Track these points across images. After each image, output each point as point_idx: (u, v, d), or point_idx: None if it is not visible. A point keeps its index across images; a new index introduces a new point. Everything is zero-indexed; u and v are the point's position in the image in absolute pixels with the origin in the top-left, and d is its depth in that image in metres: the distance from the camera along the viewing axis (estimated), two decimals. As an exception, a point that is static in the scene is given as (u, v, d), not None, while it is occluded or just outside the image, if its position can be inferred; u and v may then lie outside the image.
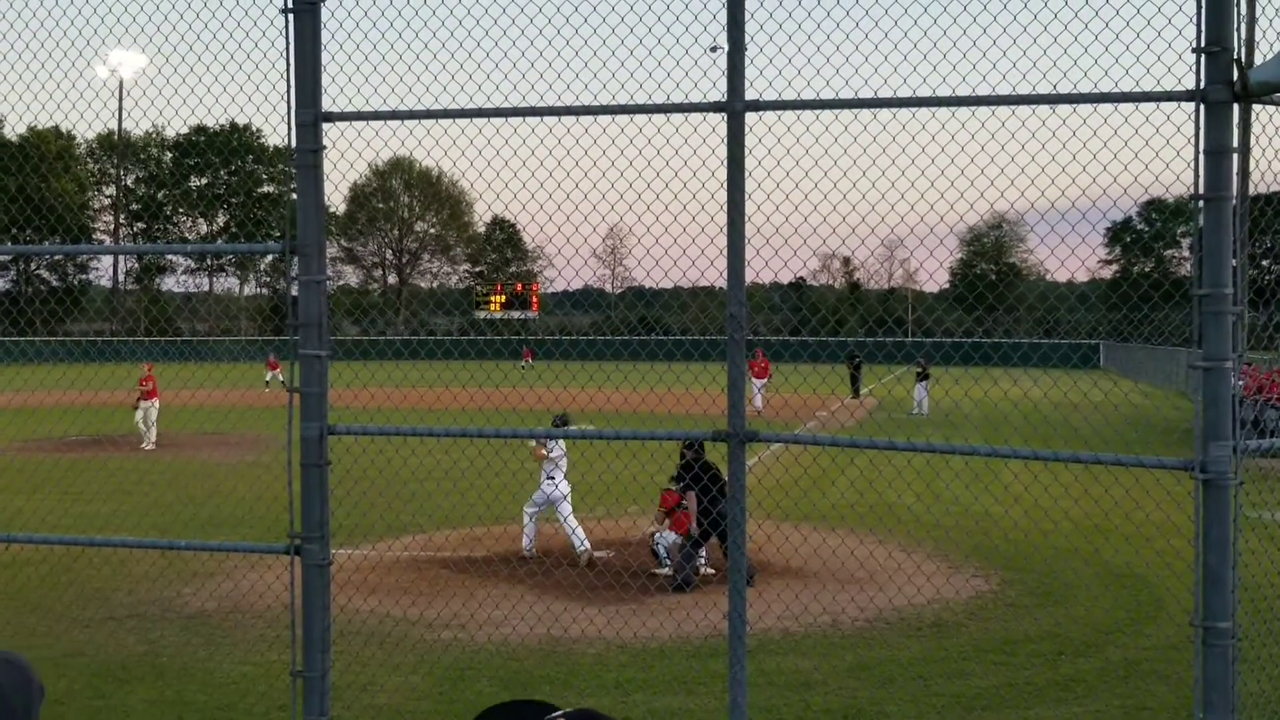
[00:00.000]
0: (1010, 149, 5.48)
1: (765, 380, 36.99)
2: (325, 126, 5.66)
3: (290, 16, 5.55)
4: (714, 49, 5.47)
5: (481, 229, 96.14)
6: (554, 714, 1.88)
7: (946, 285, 70.14)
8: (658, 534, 14.40)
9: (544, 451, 14.82)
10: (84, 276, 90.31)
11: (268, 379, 50.28)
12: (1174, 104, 4.96)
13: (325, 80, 5.62)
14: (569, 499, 14.97)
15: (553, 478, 14.95)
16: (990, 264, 78.33)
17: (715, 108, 5.24)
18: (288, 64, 5.57)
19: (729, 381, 5.35)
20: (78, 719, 9.20)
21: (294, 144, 5.61)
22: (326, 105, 5.65)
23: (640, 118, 5.70)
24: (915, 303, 72.73)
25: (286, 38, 5.56)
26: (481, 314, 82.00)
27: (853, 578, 13.21)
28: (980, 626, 11.86)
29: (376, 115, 5.70)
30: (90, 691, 9.81)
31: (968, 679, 10.09)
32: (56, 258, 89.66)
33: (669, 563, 13.99)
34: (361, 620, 11.64)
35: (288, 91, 5.56)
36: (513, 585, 13.31)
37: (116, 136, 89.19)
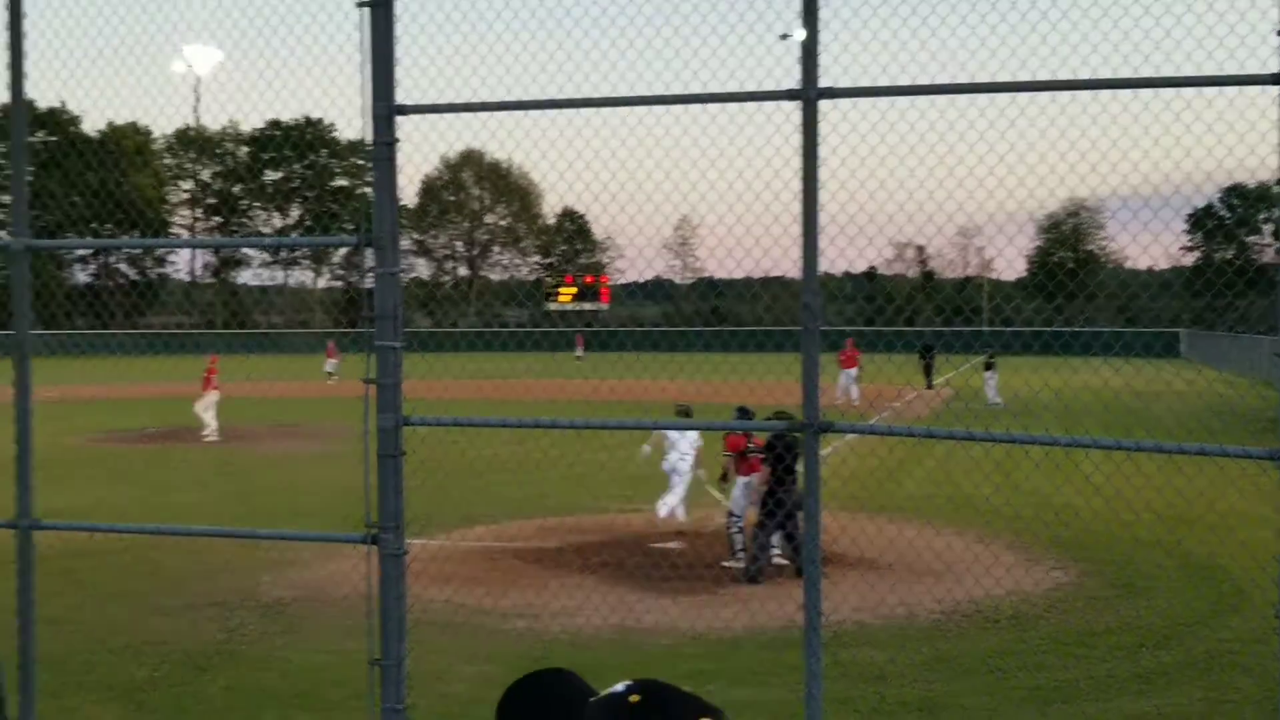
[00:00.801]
0: (1091, 134, 5.39)
1: (855, 371, 36.45)
2: (399, 120, 5.68)
3: (365, 10, 5.58)
4: (785, 36, 5.42)
5: (551, 220, 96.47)
6: (616, 687, 1.87)
7: (1024, 274, 69.27)
8: (733, 507, 14.31)
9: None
10: (162, 270, 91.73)
11: (328, 369, 50.56)
12: (1256, 88, 4.84)
13: (398, 73, 5.64)
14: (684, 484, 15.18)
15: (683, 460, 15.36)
16: (1069, 251, 77.25)
17: (789, 95, 5.19)
18: (362, 58, 5.60)
19: (803, 372, 5.31)
20: (160, 705, 9.36)
21: (368, 137, 5.64)
22: (400, 98, 5.67)
23: (713, 106, 5.67)
24: (992, 292, 71.84)
25: (361, 32, 5.58)
26: (551, 306, 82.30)
27: (929, 569, 13.08)
28: (1059, 619, 11.70)
29: (450, 108, 5.71)
30: (171, 679, 9.97)
31: (1046, 671, 9.96)
32: (135, 252, 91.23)
33: (742, 555, 13.94)
34: (436, 610, 11.72)
35: (362, 85, 5.59)
36: (584, 575, 13.34)
37: (193, 131, 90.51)
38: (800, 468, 6.80)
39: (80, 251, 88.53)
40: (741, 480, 14.27)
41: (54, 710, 8.83)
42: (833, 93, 5.15)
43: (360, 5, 5.62)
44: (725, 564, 14.04)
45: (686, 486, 15.60)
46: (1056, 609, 12.06)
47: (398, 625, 5.77)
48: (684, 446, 15.62)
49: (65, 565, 13.61)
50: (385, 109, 5.64)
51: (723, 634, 11.19)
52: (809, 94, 5.15)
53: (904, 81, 5.09)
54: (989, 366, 36.36)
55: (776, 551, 14.13)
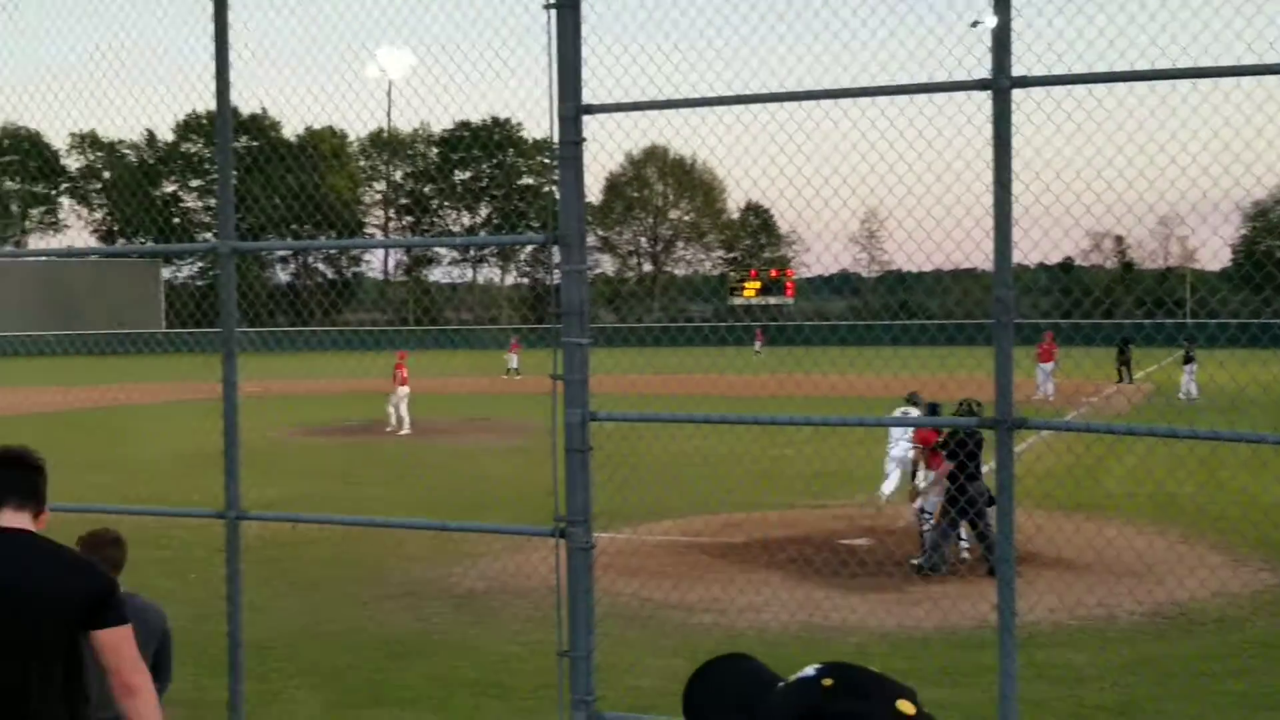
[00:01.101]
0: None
1: (1052, 365, 35.34)
2: (585, 119, 5.75)
3: (552, 12, 5.66)
4: (976, 24, 5.29)
5: (735, 215, 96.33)
6: (805, 670, 1.85)
7: (1229, 264, 66.27)
8: (922, 501, 14.10)
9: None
10: (357, 269, 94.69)
11: (511, 364, 51.21)
12: None
13: (584, 73, 5.70)
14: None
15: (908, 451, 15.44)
16: (1278, 240, 73.65)
17: (980, 85, 5.07)
18: (549, 59, 5.68)
19: (996, 367, 5.18)
20: (359, 690, 9.67)
21: (556, 137, 5.72)
22: (586, 98, 5.73)
23: (900, 98, 5.57)
24: (1195, 283, 68.89)
25: (549, 33, 5.67)
26: (736, 300, 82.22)
27: (1129, 569, 12.64)
28: (1267, 622, 11.18)
29: (635, 106, 5.76)
30: (369, 666, 10.30)
31: (1253, 677, 9.53)
32: (332, 251, 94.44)
33: (933, 554, 13.75)
34: (623, 602, 11.83)
35: (550, 86, 5.67)
36: (771, 571, 13.29)
37: (386, 134, 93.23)
38: (990, 463, 6.65)
39: (281, 252, 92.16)
40: (932, 475, 14.06)
41: (259, 693, 9.22)
42: (1026, 81, 5.02)
43: (547, 7, 5.71)
44: (914, 561, 13.82)
45: (904, 475, 15.73)
46: (1264, 611, 11.53)
47: (586, 618, 5.85)
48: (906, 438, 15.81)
49: (269, 555, 14.18)
50: (572, 109, 5.71)
51: (913, 632, 11.02)
52: (1001, 83, 5.02)
53: (1101, 69, 4.92)
54: (1187, 360, 34.92)
55: (966, 546, 13.86)
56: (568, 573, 5.89)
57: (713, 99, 5.62)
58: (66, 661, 4.24)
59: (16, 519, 4.29)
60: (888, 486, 16.30)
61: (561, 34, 5.69)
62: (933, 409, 14.21)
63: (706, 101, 5.65)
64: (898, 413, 14.39)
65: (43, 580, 4.19)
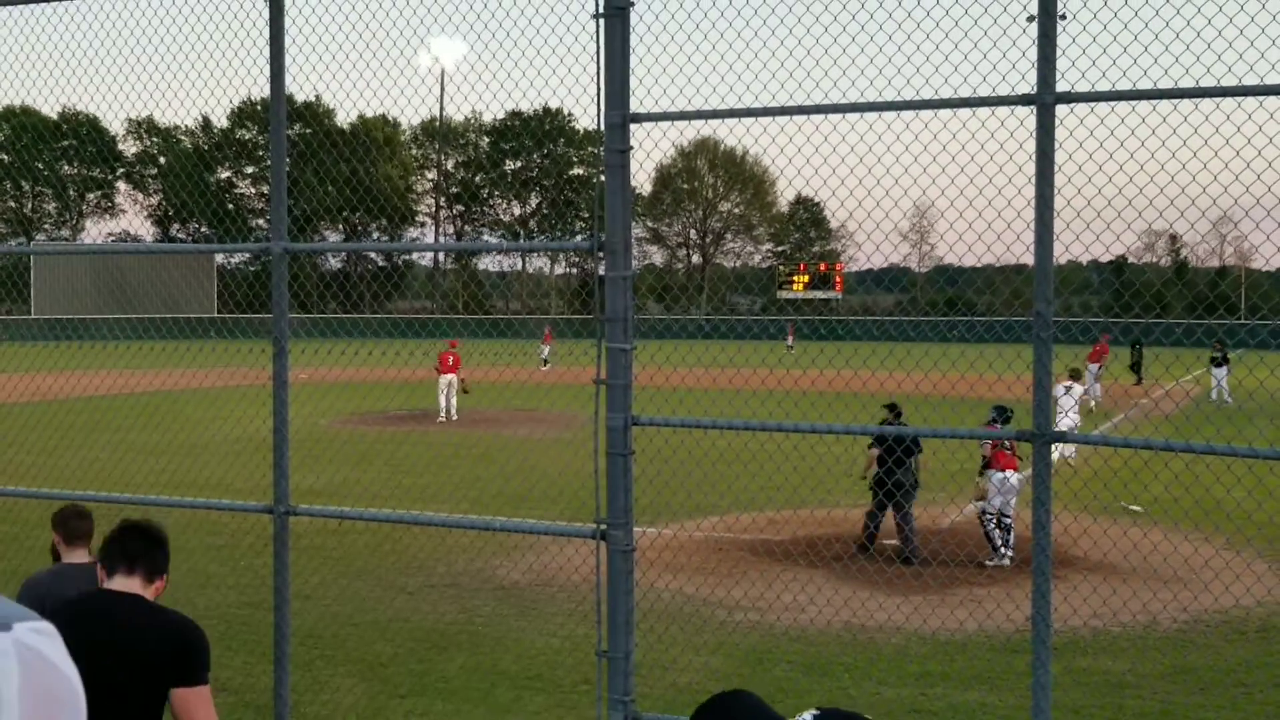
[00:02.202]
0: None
1: (1099, 367, 33.86)
2: (632, 127, 5.82)
3: (601, 21, 5.73)
4: (1031, 19, 5.29)
5: (784, 208, 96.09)
6: (802, 715, 1.92)
7: (1282, 266, 65.40)
8: (984, 504, 14.27)
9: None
10: (407, 257, 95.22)
11: (544, 355, 51.30)
12: None
13: (633, 82, 5.77)
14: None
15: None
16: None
17: (1024, 101, 5.10)
18: (598, 67, 5.75)
19: (1034, 381, 5.21)
20: (402, 680, 9.82)
21: (603, 145, 5.80)
22: (634, 106, 5.80)
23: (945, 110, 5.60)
24: (1252, 285, 67.82)
25: (597, 42, 5.73)
26: (784, 294, 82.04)
27: (1174, 576, 12.57)
28: (1313, 633, 11.12)
29: (682, 115, 5.81)
30: (413, 656, 10.44)
31: (1297, 689, 9.49)
32: (382, 238, 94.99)
33: (1004, 551, 13.92)
34: (665, 600, 11.91)
35: (597, 94, 5.73)
36: (812, 571, 13.33)
37: (438, 123, 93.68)
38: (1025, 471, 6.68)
39: (332, 237, 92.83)
40: (997, 476, 14.14)
41: (305, 681, 9.39)
42: (1070, 97, 5.04)
43: (596, 16, 5.77)
44: (987, 562, 13.91)
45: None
46: (1311, 622, 11.46)
47: (625, 619, 5.93)
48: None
49: (316, 542, 14.40)
50: (619, 117, 5.77)
51: (953, 635, 11.03)
52: (1045, 99, 5.05)
53: (1144, 84, 4.93)
54: (1218, 362, 33.35)
55: (1008, 554, 13.96)
56: (608, 574, 5.97)
57: (758, 110, 5.68)
58: (157, 717, 4.49)
59: (126, 584, 4.58)
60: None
61: (610, 43, 5.75)
62: (1001, 412, 14.39)
63: (753, 112, 5.70)
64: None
65: (138, 638, 4.44)
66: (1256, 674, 9.84)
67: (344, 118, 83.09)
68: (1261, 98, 4.91)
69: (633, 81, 5.80)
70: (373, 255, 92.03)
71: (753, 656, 10.49)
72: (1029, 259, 5.24)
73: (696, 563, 13.78)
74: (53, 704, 1.51)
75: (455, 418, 30.07)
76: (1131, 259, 74.89)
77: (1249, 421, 22.05)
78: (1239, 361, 32.50)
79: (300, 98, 69.67)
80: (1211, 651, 10.55)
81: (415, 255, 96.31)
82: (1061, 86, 5.08)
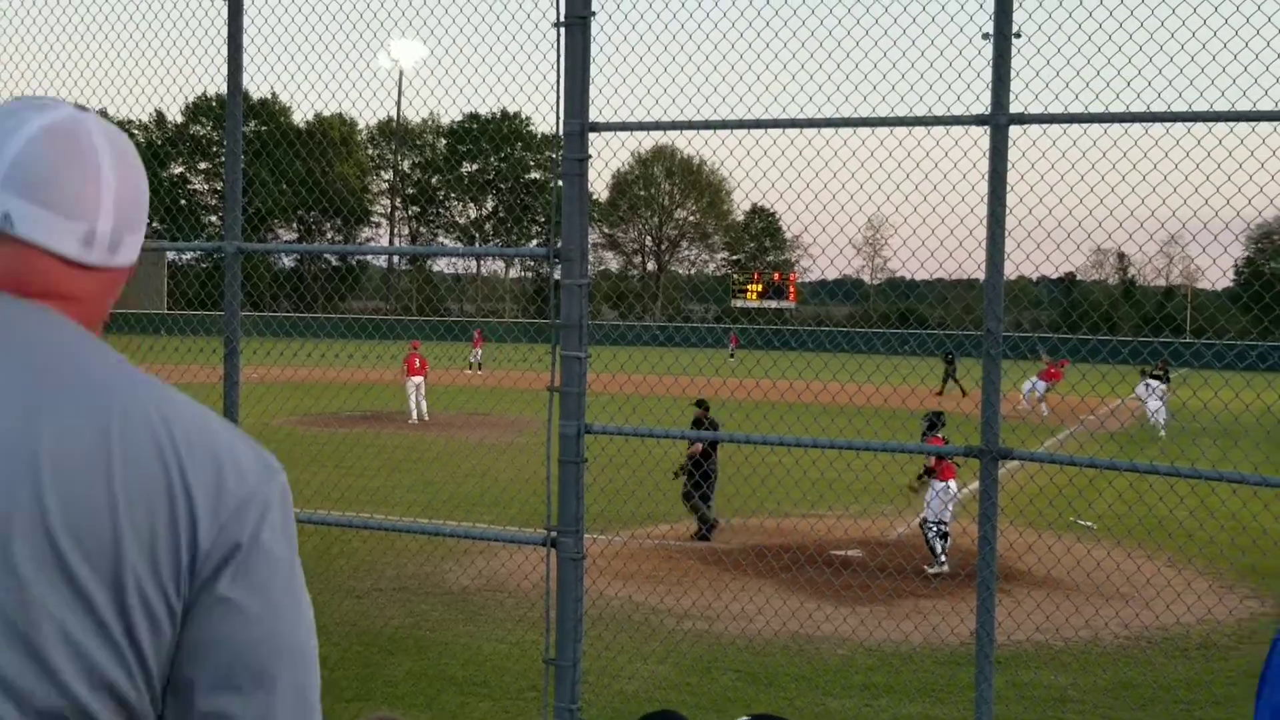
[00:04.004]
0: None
1: (1049, 386, 34.21)
2: (591, 135, 5.84)
3: (561, 30, 5.74)
4: (986, 37, 5.36)
5: (740, 217, 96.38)
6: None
7: (1232, 283, 66.23)
8: (928, 513, 14.42)
9: None
10: (362, 257, 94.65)
11: (473, 359, 50.69)
12: None
13: (592, 91, 5.79)
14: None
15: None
16: (1280, 263, 73.50)
17: (978, 121, 5.16)
18: (558, 76, 5.76)
19: (983, 398, 5.27)
20: (347, 685, 9.76)
21: (562, 153, 5.81)
22: (593, 115, 5.82)
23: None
24: (1195, 304, 68.64)
25: (558, 50, 5.74)
26: (738, 302, 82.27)
27: (1117, 592, 12.73)
28: (1252, 650, 11.25)
29: (641, 126, 5.84)
30: (359, 660, 10.39)
31: (1235, 706, 9.61)
32: (336, 238, 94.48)
33: (944, 560, 14.08)
34: (614, 607, 11.92)
35: (557, 103, 5.75)
36: (760, 580, 13.38)
37: (395, 123, 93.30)
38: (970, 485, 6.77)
39: (286, 236, 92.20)
40: (938, 485, 14.29)
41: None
42: (1023, 119, 5.11)
43: (556, 25, 5.79)
44: (929, 569, 14.08)
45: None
46: (1250, 640, 11.61)
47: (574, 628, 5.94)
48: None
49: (265, 544, 14.26)
50: (578, 125, 5.79)
51: (900, 646, 11.10)
52: (999, 120, 5.11)
53: (1096, 108, 5.01)
54: (1159, 378, 32.27)
55: (944, 561, 14.15)
56: (558, 582, 5.98)
57: (715, 122, 5.71)
58: None
59: None
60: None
61: (570, 52, 5.77)
62: (937, 417, 14.74)
63: (710, 124, 5.73)
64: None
65: None
66: (1196, 691, 9.96)
67: (300, 116, 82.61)
68: (1210, 124, 5.00)
69: (592, 90, 5.83)
70: (327, 255, 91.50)
71: (700, 665, 10.52)
72: (980, 274, 5.31)
73: (646, 570, 13.79)
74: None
75: (427, 419, 30.12)
76: (1080, 277, 75.70)
77: (1192, 441, 22.38)
78: (1183, 382, 32.82)
79: (256, 95, 69.25)
80: (1152, 668, 10.68)
81: (370, 255, 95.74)
82: (1015, 108, 5.14)
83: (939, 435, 14.95)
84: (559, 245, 5.90)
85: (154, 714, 1.48)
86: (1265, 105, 4.81)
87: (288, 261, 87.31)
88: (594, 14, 5.75)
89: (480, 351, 50.94)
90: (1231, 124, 4.96)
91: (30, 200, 1.54)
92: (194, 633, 1.47)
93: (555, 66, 5.79)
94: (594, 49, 5.79)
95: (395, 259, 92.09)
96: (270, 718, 1.51)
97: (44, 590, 1.39)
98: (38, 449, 1.42)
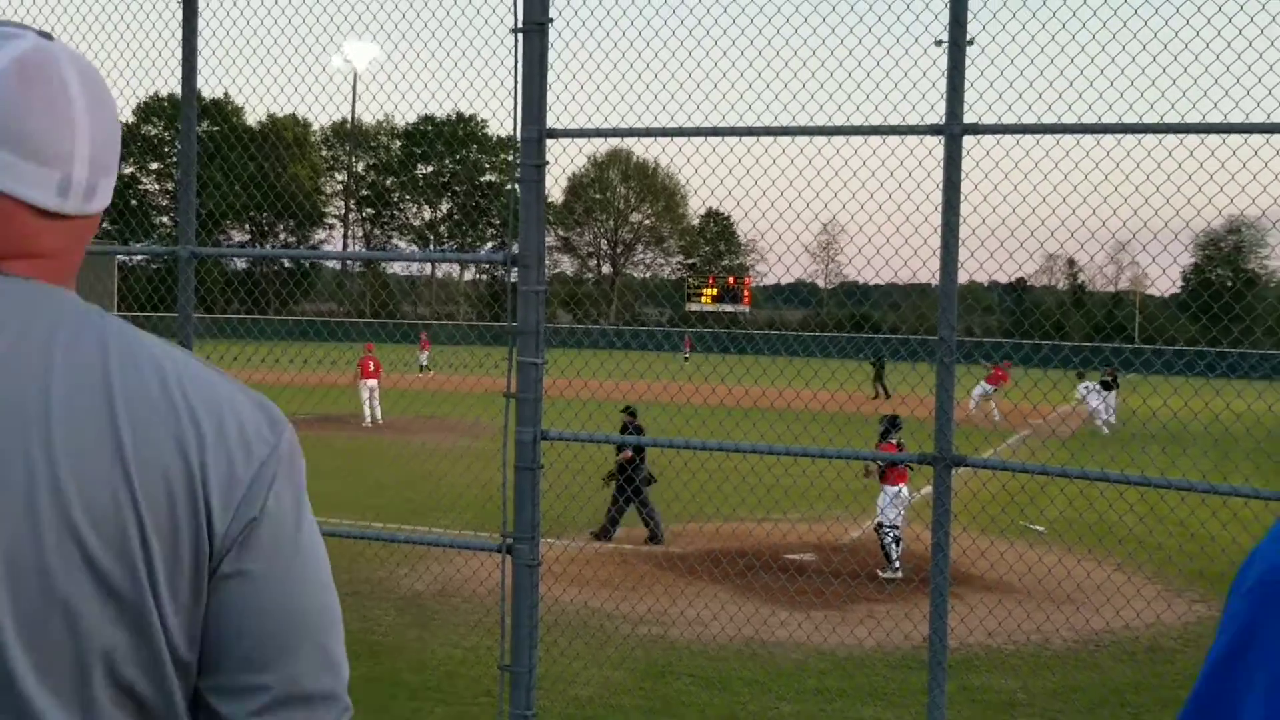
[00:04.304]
0: (1253, 166, 5.28)
1: (996, 389, 34.43)
2: (548, 142, 5.84)
3: (519, 36, 5.74)
4: (940, 42, 5.41)
5: (695, 221, 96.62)
6: None
7: (1179, 290, 67.08)
8: (882, 517, 14.49)
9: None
10: (315, 259, 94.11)
11: (423, 361, 50.31)
12: None
13: (549, 97, 5.79)
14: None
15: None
16: (1227, 270, 74.54)
17: (933, 131, 5.21)
18: (515, 81, 5.76)
19: (936, 405, 5.32)
20: (300, 692, 9.69)
21: (519, 160, 5.81)
22: (550, 121, 5.82)
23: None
24: (1145, 313, 69.45)
25: (515, 56, 5.74)
26: (693, 306, 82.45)
27: (1066, 597, 12.86)
28: (1198, 654, 11.40)
29: (599, 132, 5.85)
30: (312, 666, 10.31)
31: (1179, 709, 9.73)
32: (289, 239, 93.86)
33: (899, 565, 14.17)
34: (568, 613, 11.92)
35: (514, 108, 5.75)
36: (714, 584, 13.42)
37: (350, 125, 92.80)
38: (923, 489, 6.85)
39: (238, 237, 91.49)
40: (890, 489, 14.38)
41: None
42: (977, 129, 5.16)
43: (514, 31, 5.78)
44: (882, 574, 14.17)
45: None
46: (1196, 644, 11.76)
47: (529, 634, 5.93)
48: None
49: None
50: (536, 132, 5.79)
51: (852, 651, 11.17)
52: (953, 129, 5.16)
53: (1049, 119, 5.07)
54: (1107, 385, 33.35)
55: (897, 568, 14.23)
56: (513, 588, 5.97)
57: (673, 130, 5.73)
58: None
59: None
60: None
61: (528, 58, 5.77)
62: (894, 421, 14.81)
63: (668, 132, 5.75)
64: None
65: None
66: (1143, 695, 10.09)
67: (253, 116, 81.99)
68: (1160, 135, 5.07)
69: (549, 96, 5.83)
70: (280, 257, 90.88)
71: (654, 670, 10.53)
72: (933, 279, 5.36)
73: (601, 575, 13.80)
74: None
75: (380, 422, 29.99)
76: (1030, 282, 76.42)
77: (1142, 449, 22.63)
78: (1132, 389, 33.20)
79: (209, 95, 68.68)
80: (1101, 671, 10.80)
81: (323, 258, 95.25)
82: (969, 118, 5.20)
83: (893, 441, 15.03)
84: (515, 251, 5.89)
85: (179, 706, 1.47)
86: (1214, 118, 4.89)
87: (239, 263, 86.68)
88: (552, 20, 5.75)
89: (427, 354, 50.62)
90: (1181, 135, 5.04)
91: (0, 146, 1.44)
92: (212, 612, 1.46)
93: (513, 72, 5.79)
94: (551, 55, 5.80)
95: (349, 261, 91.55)
96: (298, 680, 1.51)
97: (70, 586, 1.37)
98: (50, 426, 1.39)
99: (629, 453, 15.93)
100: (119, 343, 1.48)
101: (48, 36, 1.53)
